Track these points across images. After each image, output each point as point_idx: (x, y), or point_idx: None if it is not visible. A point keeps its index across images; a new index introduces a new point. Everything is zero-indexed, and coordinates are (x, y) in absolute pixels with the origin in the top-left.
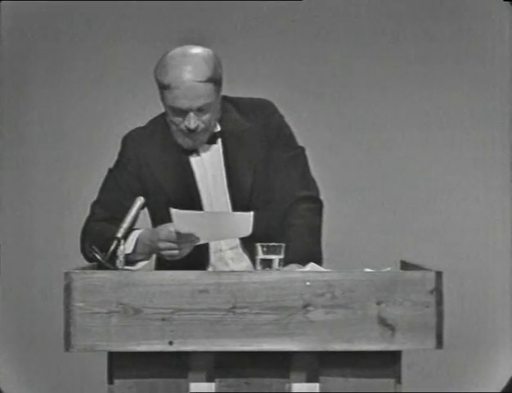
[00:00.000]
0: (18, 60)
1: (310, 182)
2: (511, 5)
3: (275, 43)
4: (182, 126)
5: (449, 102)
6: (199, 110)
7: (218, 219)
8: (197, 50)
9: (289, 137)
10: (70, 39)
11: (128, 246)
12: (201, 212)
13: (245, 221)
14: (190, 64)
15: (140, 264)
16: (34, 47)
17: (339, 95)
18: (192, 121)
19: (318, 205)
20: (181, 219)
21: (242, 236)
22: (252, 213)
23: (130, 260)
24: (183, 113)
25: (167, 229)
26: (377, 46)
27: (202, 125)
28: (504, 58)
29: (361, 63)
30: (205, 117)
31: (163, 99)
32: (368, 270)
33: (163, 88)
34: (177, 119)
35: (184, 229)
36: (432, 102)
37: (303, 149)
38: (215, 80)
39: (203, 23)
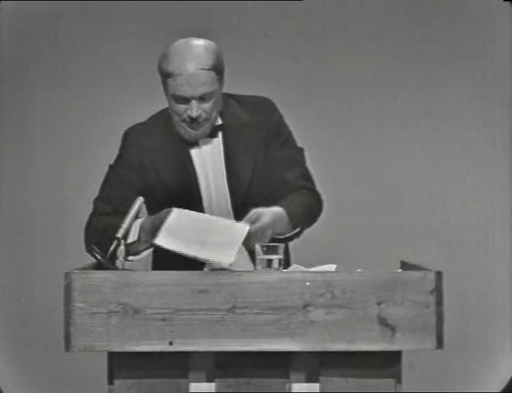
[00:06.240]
0: (18, 61)
1: (311, 178)
2: (511, 5)
3: (274, 43)
4: (185, 115)
5: (448, 102)
6: (202, 99)
7: (210, 230)
8: (199, 41)
9: (289, 137)
10: (70, 39)
11: (132, 235)
12: (200, 217)
13: (239, 232)
14: (193, 52)
15: (143, 254)
16: (34, 47)
17: (339, 94)
18: (195, 109)
19: (317, 195)
20: (170, 226)
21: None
22: (247, 226)
23: (133, 251)
24: (186, 101)
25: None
26: (377, 46)
27: (204, 115)
28: (504, 58)
29: (361, 63)
30: (207, 106)
31: (165, 89)
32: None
33: (166, 76)
34: (180, 108)
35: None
36: (431, 102)
37: (302, 149)
38: (217, 69)
39: (202, 22)
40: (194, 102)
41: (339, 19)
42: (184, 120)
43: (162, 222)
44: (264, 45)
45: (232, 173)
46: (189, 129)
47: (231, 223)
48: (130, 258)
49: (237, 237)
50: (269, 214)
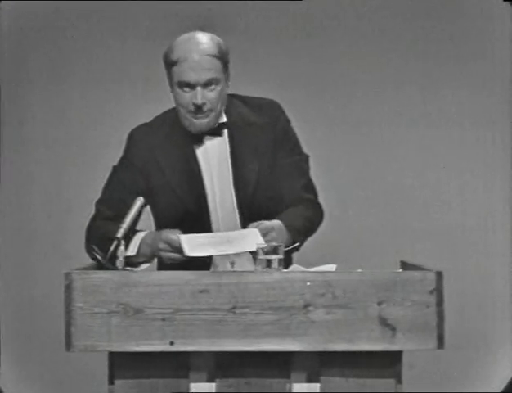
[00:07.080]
0: (18, 61)
1: (314, 190)
2: (511, 5)
3: (274, 43)
4: (190, 105)
5: (449, 102)
6: (206, 86)
7: (226, 238)
8: (204, 34)
9: (296, 143)
10: (70, 39)
11: (132, 248)
12: (209, 234)
13: (253, 236)
14: (198, 41)
15: (142, 267)
16: (34, 47)
17: (339, 94)
18: (199, 96)
19: (320, 208)
20: (189, 242)
21: (248, 249)
22: (257, 230)
23: (132, 263)
24: (191, 88)
25: (170, 233)
26: (377, 46)
27: (209, 104)
28: (504, 58)
29: (362, 63)
30: (212, 94)
31: (171, 79)
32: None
33: (171, 65)
34: (185, 97)
35: (192, 253)
36: (432, 102)
37: (307, 157)
38: (222, 58)
39: (202, 22)
40: (199, 89)
41: (339, 19)
42: (189, 111)
43: (161, 240)
44: (264, 45)
45: (238, 173)
46: (194, 120)
47: (239, 231)
48: (127, 269)
49: (254, 233)
50: (268, 221)
